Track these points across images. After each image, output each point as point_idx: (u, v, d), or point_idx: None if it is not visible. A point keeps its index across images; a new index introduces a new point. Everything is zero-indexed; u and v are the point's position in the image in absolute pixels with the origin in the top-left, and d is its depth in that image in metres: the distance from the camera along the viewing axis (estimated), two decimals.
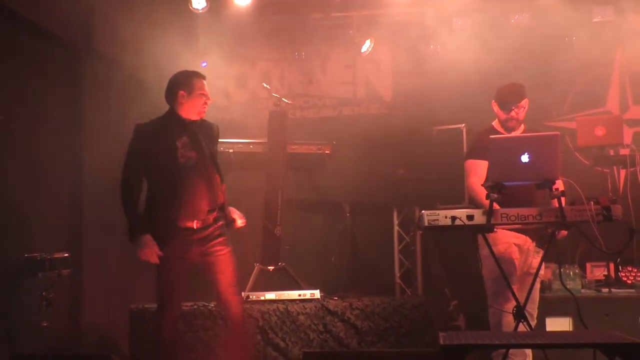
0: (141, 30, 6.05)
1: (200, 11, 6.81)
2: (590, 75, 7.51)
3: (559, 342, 3.42)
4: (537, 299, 4.93)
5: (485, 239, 4.48)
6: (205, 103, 4.61)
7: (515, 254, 4.81)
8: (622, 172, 7.00)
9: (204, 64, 7.24)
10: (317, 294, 5.89)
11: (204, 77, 4.64)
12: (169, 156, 4.47)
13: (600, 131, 6.40)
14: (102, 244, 6.18)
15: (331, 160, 6.63)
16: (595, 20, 7.01)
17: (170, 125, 4.56)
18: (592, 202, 4.31)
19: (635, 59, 7.35)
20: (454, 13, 7.07)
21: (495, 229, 4.41)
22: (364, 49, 7.31)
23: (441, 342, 3.44)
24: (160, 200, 4.48)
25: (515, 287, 4.61)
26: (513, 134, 4.91)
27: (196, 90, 4.57)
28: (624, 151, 6.84)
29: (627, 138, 7.20)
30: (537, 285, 4.88)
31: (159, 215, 4.47)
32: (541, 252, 4.76)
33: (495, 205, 4.30)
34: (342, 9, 7.19)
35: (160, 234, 4.42)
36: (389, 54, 7.63)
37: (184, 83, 4.58)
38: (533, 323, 4.76)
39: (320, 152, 6.46)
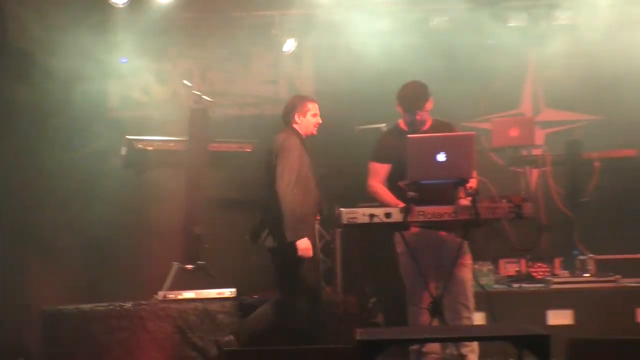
0: (56, 24, 5.89)
1: (121, 5, 6.67)
2: (505, 78, 7.75)
3: (470, 335, 3.51)
4: (470, 289, 4.93)
5: (403, 236, 4.56)
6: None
7: (432, 249, 4.86)
8: (535, 172, 7.25)
9: (124, 60, 7.11)
10: (234, 292, 5.84)
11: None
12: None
13: (514, 132, 6.63)
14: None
15: (253, 159, 6.59)
16: (510, 25, 7.23)
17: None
18: (504, 200, 4.44)
19: (548, 63, 7.64)
20: (375, 15, 7.14)
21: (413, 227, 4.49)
22: (286, 48, 7.32)
23: (357, 337, 3.49)
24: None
25: (432, 282, 4.70)
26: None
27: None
28: (536, 152, 7.09)
29: (539, 139, 7.48)
30: (468, 276, 4.92)
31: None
32: (464, 245, 4.86)
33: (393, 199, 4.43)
34: (264, 8, 7.17)
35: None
36: (311, 54, 7.67)
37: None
38: (470, 314, 4.85)
39: (241, 150, 6.42)
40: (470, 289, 4.90)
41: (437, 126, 4.99)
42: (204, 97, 6.28)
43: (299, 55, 7.61)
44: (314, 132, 5.22)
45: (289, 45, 7.30)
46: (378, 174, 4.97)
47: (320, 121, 5.23)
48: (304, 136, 5.15)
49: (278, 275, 5.14)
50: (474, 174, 4.70)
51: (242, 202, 7.00)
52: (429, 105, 4.95)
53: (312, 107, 5.19)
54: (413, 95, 4.95)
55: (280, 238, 4.90)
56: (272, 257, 5.12)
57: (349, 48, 7.27)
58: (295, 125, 5.15)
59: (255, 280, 6.59)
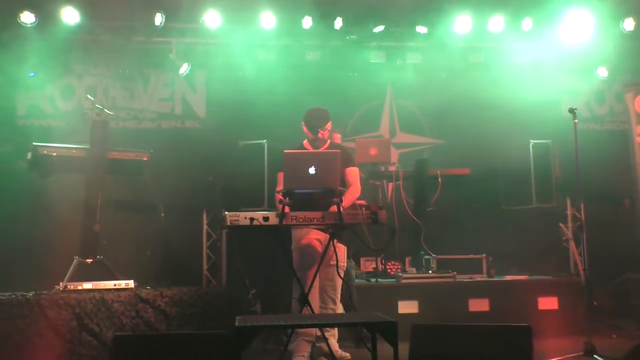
0: None
1: (29, 25, 6.33)
2: (368, 105, 7.94)
3: (331, 322, 3.55)
4: (338, 286, 4.96)
5: (277, 238, 4.55)
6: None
7: (318, 248, 4.87)
8: (390, 185, 7.45)
9: (32, 74, 6.76)
10: (131, 284, 5.67)
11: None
12: None
13: (373, 151, 6.77)
14: None
15: (149, 167, 6.40)
16: (372, 61, 7.42)
17: None
18: (363, 208, 4.53)
19: (401, 94, 7.92)
20: (261, 46, 7.15)
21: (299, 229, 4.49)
22: (181, 71, 7.18)
23: (237, 324, 3.45)
24: None
25: (311, 275, 4.70)
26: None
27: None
28: (391, 168, 7.30)
29: (394, 157, 7.70)
30: (337, 274, 4.93)
31: None
32: (341, 247, 4.92)
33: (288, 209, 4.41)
34: (163, 35, 6.98)
35: None
36: (203, 77, 7.57)
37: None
38: (335, 306, 4.89)
39: (138, 158, 6.22)
40: (339, 285, 4.95)
41: (333, 146, 5.05)
42: (105, 110, 6.06)
43: (193, 77, 7.50)
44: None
45: (184, 68, 7.17)
46: (280, 183, 4.94)
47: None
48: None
49: None
50: (358, 183, 4.84)
51: (137, 204, 6.81)
52: (329, 126, 5.00)
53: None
54: (317, 117, 4.98)
55: None
56: None
57: (237, 73, 7.26)
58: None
59: (149, 273, 6.43)
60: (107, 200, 6.05)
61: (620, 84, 7.36)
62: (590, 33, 7.19)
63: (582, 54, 7.43)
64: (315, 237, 4.89)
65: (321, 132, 4.94)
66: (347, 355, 4.94)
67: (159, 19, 6.65)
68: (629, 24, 7.18)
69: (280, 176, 4.89)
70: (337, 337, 4.97)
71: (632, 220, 6.93)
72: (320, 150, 4.93)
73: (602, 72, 7.67)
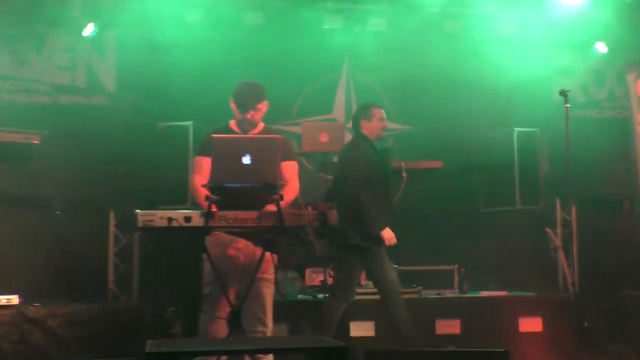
0: None
1: None
2: (319, 81, 7.96)
3: (265, 347, 3.54)
4: (268, 304, 4.91)
5: (203, 242, 4.51)
6: None
7: (235, 258, 4.85)
8: None
9: None
10: (15, 299, 5.56)
11: None
12: None
13: (324, 138, 6.78)
14: None
15: (42, 152, 6.27)
16: (325, 26, 7.44)
17: None
18: (310, 208, 4.51)
19: (361, 68, 7.95)
20: (186, 5, 7.08)
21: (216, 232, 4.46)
22: (86, 32, 7.04)
23: (147, 350, 3.40)
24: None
25: (233, 291, 4.69)
26: (249, 134, 4.96)
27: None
28: None
29: None
30: (268, 291, 4.93)
31: None
32: (269, 256, 4.88)
33: (215, 207, 4.36)
34: None
35: None
36: (114, 42, 7.43)
37: None
38: (265, 329, 4.84)
39: (28, 141, 6.08)
40: (269, 303, 4.88)
41: (267, 132, 5.00)
42: None
43: (100, 41, 7.36)
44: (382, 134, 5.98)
45: (90, 28, 7.03)
46: (201, 168, 4.87)
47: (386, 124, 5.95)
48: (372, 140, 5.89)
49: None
50: (296, 180, 4.87)
51: (26, 199, 6.66)
52: (262, 107, 4.95)
53: (378, 112, 5.90)
54: (248, 93, 4.92)
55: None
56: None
57: (157, 37, 7.17)
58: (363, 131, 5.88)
59: (41, 285, 6.31)
60: None
61: (622, 64, 7.55)
62: (586, 1, 7.38)
63: (578, 26, 7.63)
64: (235, 245, 4.84)
65: (251, 112, 4.89)
66: None
67: None
68: None
69: (201, 162, 4.85)
70: None
71: (632, 226, 7.13)
72: (255, 134, 4.90)
73: (602, 48, 7.88)
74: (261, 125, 5.02)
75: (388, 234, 5.74)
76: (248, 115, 4.88)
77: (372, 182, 5.78)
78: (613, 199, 7.54)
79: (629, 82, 6.41)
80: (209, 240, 4.65)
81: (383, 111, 5.95)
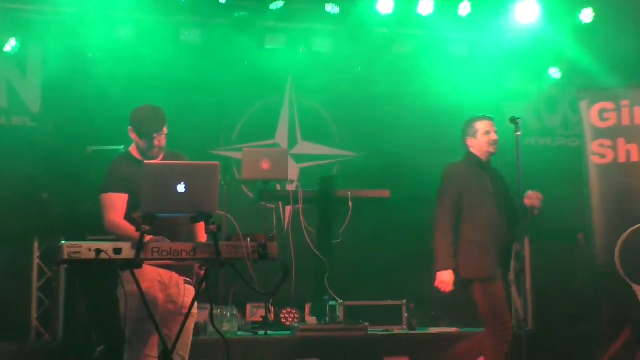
0: None
1: None
2: (261, 104, 8.00)
3: None
4: (190, 341, 5.00)
5: (134, 275, 4.50)
6: None
7: (158, 293, 4.84)
8: (288, 209, 7.51)
9: None
10: None
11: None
12: None
13: (265, 164, 6.77)
14: None
15: None
16: (268, 47, 7.52)
17: None
18: (248, 239, 4.54)
19: (306, 91, 8.02)
20: (115, 20, 7.10)
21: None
22: (7, 47, 7.00)
23: None
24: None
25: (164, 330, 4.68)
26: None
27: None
28: (290, 187, 7.37)
29: (294, 174, 7.78)
30: (190, 326, 4.94)
31: None
32: (192, 290, 4.89)
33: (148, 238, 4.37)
34: None
35: None
36: (39, 58, 7.38)
37: None
38: None
39: None
40: (190, 341, 4.82)
41: (170, 156, 4.99)
42: None
43: (24, 58, 7.32)
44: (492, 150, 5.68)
45: (11, 45, 6.99)
46: (115, 205, 4.82)
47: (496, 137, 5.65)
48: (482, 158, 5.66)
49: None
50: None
51: None
52: (166, 129, 4.95)
53: (482, 126, 5.66)
54: (151, 118, 4.87)
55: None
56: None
57: (86, 55, 7.15)
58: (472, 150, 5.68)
59: None
60: None
61: (576, 89, 7.78)
62: (540, 24, 7.60)
63: (531, 50, 7.86)
64: (158, 278, 4.84)
65: (157, 137, 4.90)
66: None
67: None
68: (586, 15, 7.66)
69: (113, 199, 4.78)
70: None
71: (586, 260, 7.30)
72: (161, 160, 4.89)
73: (555, 74, 8.13)
74: (162, 153, 5.01)
75: (441, 277, 5.54)
76: (155, 142, 4.87)
77: (460, 209, 5.60)
78: (568, 231, 7.70)
79: (582, 110, 6.58)
80: (136, 274, 4.64)
81: (489, 122, 5.71)
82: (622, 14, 7.76)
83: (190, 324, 4.88)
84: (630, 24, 7.83)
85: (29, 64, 7.39)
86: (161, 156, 4.95)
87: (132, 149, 4.96)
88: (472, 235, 5.50)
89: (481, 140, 5.70)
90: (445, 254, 5.49)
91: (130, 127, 4.86)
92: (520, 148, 5.59)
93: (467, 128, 5.77)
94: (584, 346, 6.92)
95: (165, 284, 4.82)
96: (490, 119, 5.74)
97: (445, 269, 5.47)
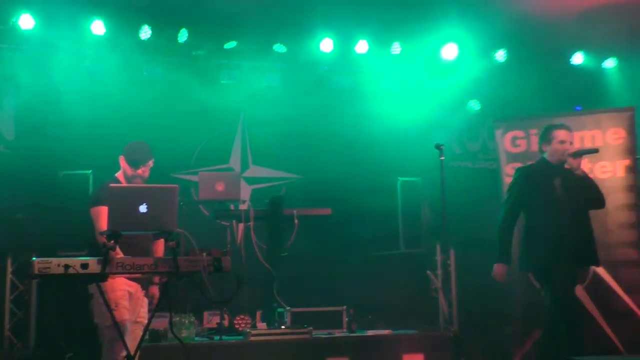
0: None
1: None
2: (216, 132, 7.98)
3: None
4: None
5: (99, 288, 4.43)
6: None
7: (127, 302, 4.80)
8: (240, 226, 7.47)
9: None
10: None
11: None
12: None
13: (220, 186, 6.78)
14: None
15: None
16: (222, 82, 7.52)
17: None
18: (204, 254, 4.51)
19: (256, 121, 8.03)
20: (83, 56, 7.02)
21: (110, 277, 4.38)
22: None
23: None
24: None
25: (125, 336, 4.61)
26: None
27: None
28: (242, 206, 7.33)
29: (246, 194, 7.76)
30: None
31: None
32: (146, 301, 4.86)
33: (119, 253, 4.32)
34: None
35: None
36: (12, 90, 7.21)
37: None
38: None
39: None
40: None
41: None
42: None
43: None
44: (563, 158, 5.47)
45: None
46: (105, 216, 4.77)
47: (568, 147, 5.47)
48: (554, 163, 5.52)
49: None
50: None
51: None
52: (151, 163, 5.03)
53: (557, 135, 5.50)
54: (140, 151, 4.99)
55: None
56: None
57: (57, 88, 7.02)
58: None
59: None
60: None
61: (493, 120, 7.93)
62: (462, 62, 7.77)
63: (454, 84, 7.97)
64: (127, 289, 4.81)
65: (142, 168, 4.98)
66: None
67: None
68: (500, 55, 7.86)
69: (98, 212, 4.78)
70: None
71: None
72: (152, 185, 4.88)
73: (474, 105, 8.29)
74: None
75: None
76: (139, 171, 4.96)
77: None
78: (487, 243, 7.79)
79: (497, 137, 6.72)
80: (103, 286, 4.57)
81: (565, 132, 5.54)
82: (531, 55, 7.98)
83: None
84: (537, 63, 8.07)
85: (3, 96, 7.22)
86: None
87: (119, 175, 5.05)
88: None
89: (555, 147, 5.56)
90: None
91: (122, 156, 4.95)
92: (444, 171, 5.65)
93: (544, 134, 5.64)
94: (507, 345, 7.04)
95: (132, 294, 4.78)
96: (566, 128, 5.64)
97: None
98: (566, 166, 5.48)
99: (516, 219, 5.61)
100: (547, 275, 5.34)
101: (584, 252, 5.41)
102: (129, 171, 4.99)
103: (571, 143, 5.56)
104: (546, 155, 5.58)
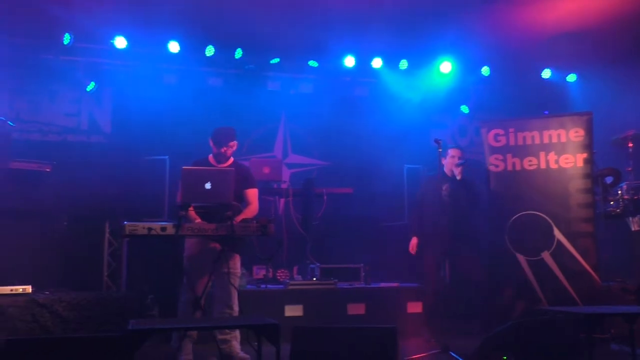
0: None
1: None
2: (263, 128, 7.95)
3: (218, 325, 3.48)
4: (233, 293, 4.76)
5: (176, 245, 4.44)
6: None
7: (208, 256, 4.73)
8: (281, 201, 7.48)
9: None
10: (29, 289, 5.31)
11: None
12: None
13: (267, 170, 6.78)
14: None
15: (53, 177, 6.05)
16: (269, 89, 7.52)
17: None
18: (254, 221, 4.50)
19: (294, 120, 8.00)
20: (164, 69, 7.05)
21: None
22: (88, 88, 6.89)
23: (129, 327, 3.32)
24: None
25: (204, 281, 4.58)
26: (222, 165, 4.90)
27: None
28: (283, 186, 7.32)
29: (286, 176, 7.73)
30: (234, 282, 4.76)
31: None
32: (235, 256, 4.84)
33: (197, 218, 4.48)
34: (70, 54, 6.71)
35: None
36: (110, 95, 7.27)
37: None
38: (231, 312, 4.72)
39: (40, 169, 5.87)
40: (234, 292, 4.76)
41: (236, 165, 4.97)
42: (8, 122, 5.70)
43: (99, 95, 7.20)
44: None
45: (91, 86, 6.89)
46: None
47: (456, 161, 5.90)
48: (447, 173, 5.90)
49: None
50: (256, 202, 4.82)
51: (39, 214, 6.40)
52: (233, 145, 4.90)
53: (450, 152, 5.93)
54: (222, 134, 4.89)
55: None
56: None
57: (143, 93, 7.06)
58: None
59: (51, 278, 6.05)
60: (9, 209, 5.66)
61: (478, 121, 7.82)
62: (456, 76, 7.70)
63: (449, 93, 7.88)
64: (207, 247, 4.79)
65: (224, 148, 4.87)
66: (247, 356, 4.79)
67: (67, 38, 6.40)
68: (485, 70, 7.79)
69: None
70: (239, 339, 4.86)
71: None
72: (220, 166, 4.87)
73: (464, 109, 8.20)
74: (231, 159, 5.00)
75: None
76: (222, 150, 4.87)
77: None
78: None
79: (483, 134, 6.59)
80: (188, 242, 4.59)
81: (456, 150, 6.01)
82: (509, 70, 7.88)
83: (233, 280, 4.72)
84: (514, 77, 7.95)
85: (103, 99, 7.27)
86: (229, 162, 4.91)
87: (210, 156, 4.95)
88: None
89: (449, 161, 5.97)
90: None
91: (210, 139, 4.84)
92: (441, 160, 5.59)
93: (445, 151, 5.90)
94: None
95: (212, 250, 4.68)
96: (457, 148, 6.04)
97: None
98: (456, 175, 5.91)
99: (421, 212, 5.96)
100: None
101: (460, 242, 5.82)
102: (214, 149, 4.91)
103: (459, 158, 5.96)
104: (444, 167, 5.95)
